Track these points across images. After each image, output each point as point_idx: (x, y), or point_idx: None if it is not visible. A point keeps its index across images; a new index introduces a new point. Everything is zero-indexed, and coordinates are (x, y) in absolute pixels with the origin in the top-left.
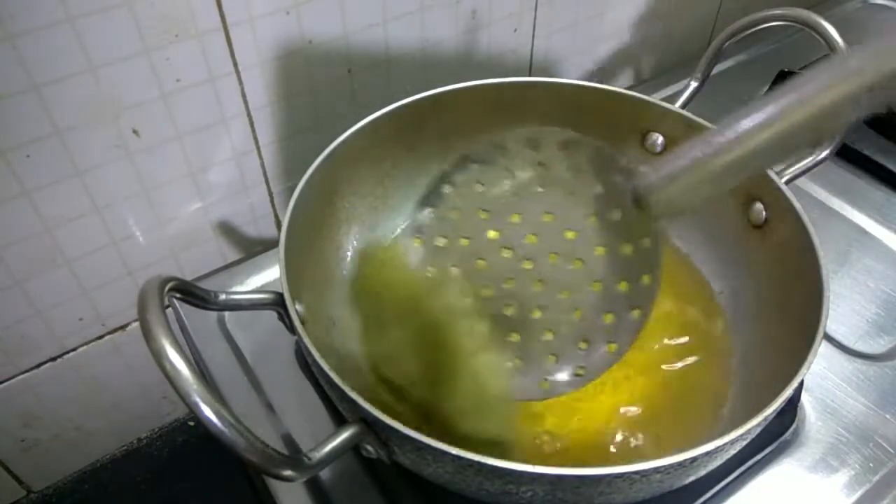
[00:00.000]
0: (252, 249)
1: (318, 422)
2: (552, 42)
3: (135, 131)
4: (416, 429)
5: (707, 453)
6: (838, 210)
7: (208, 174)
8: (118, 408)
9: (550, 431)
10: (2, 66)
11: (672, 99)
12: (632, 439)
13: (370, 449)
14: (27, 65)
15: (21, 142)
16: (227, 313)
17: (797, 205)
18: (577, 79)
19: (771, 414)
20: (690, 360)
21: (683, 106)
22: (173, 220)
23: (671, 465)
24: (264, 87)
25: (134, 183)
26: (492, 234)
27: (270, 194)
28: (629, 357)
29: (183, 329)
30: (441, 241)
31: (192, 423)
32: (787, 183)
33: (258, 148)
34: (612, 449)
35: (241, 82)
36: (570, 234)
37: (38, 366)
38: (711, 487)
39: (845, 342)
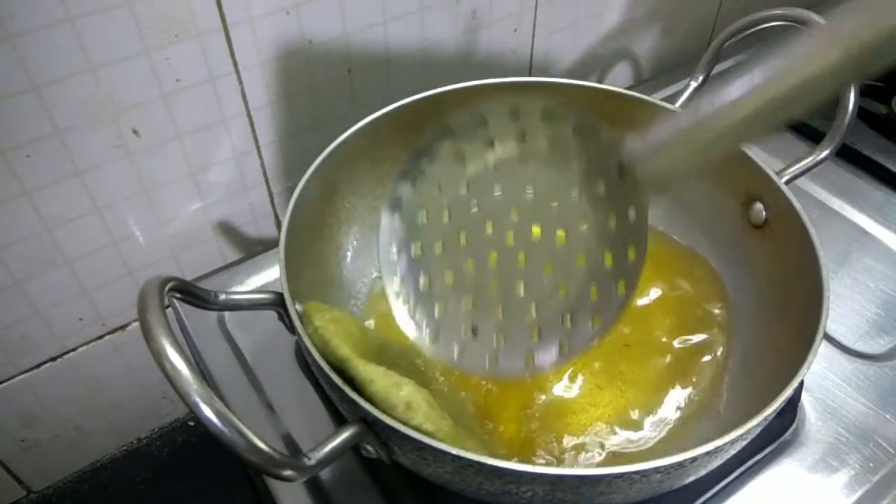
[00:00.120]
0: (252, 249)
1: (318, 422)
2: (552, 42)
3: (135, 131)
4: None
5: (707, 453)
6: (838, 210)
7: (208, 174)
8: (118, 408)
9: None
10: (2, 66)
11: (672, 99)
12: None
13: (370, 449)
14: (27, 65)
15: (21, 142)
16: (227, 313)
17: (797, 205)
18: (577, 79)
19: (771, 414)
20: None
21: (683, 106)
22: (173, 220)
23: (671, 465)
24: (264, 87)
25: (134, 183)
26: (473, 208)
27: (270, 194)
28: (629, 356)
29: (183, 329)
30: (421, 217)
31: (192, 423)
32: (787, 183)
33: (258, 148)
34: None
35: (241, 82)
36: (553, 208)
37: (38, 366)
38: (711, 487)
39: (845, 342)
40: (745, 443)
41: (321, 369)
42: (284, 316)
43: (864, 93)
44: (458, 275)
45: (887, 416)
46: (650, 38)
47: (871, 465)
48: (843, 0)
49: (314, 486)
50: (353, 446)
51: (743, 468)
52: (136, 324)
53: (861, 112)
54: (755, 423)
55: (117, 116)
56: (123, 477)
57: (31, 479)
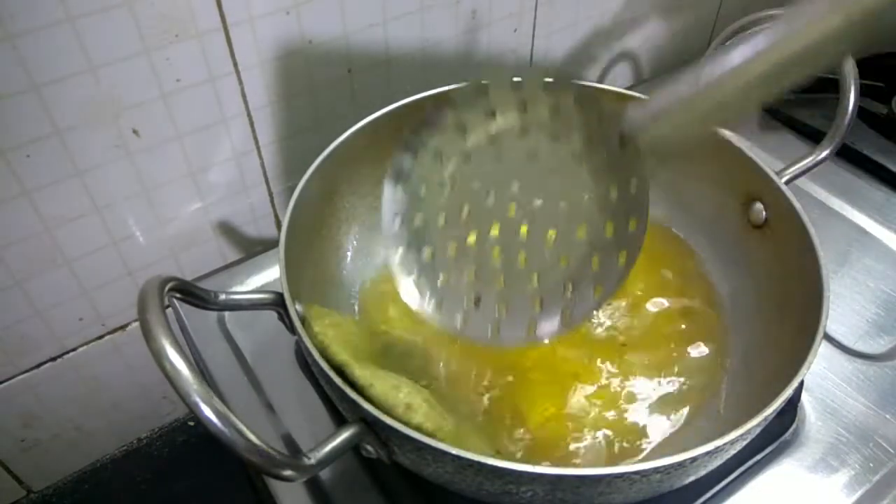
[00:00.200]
0: (252, 249)
1: (318, 422)
2: (552, 42)
3: (135, 131)
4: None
5: (707, 453)
6: (838, 210)
7: (208, 174)
8: (118, 408)
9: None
10: (2, 66)
11: None
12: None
13: (370, 449)
14: (27, 65)
15: (21, 142)
16: (227, 313)
17: (797, 205)
18: (577, 79)
19: (771, 414)
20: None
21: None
22: (173, 220)
23: (671, 465)
24: (264, 87)
25: (134, 183)
26: (475, 179)
27: (270, 194)
28: (629, 356)
29: (183, 329)
30: (423, 188)
31: (192, 423)
32: (787, 183)
33: (258, 148)
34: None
35: (241, 82)
36: (554, 179)
37: (38, 366)
38: (711, 487)
39: (845, 342)
40: (745, 443)
41: (321, 369)
42: (284, 316)
43: (864, 93)
44: (460, 245)
45: (887, 416)
46: (650, 37)
47: (871, 465)
48: None
49: (314, 486)
50: (353, 446)
51: (743, 468)
52: (136, 324)
53: (861, 112)
54: (755, 423)
55: (117, 116)
56: (123, 477)
57: (31, 479)
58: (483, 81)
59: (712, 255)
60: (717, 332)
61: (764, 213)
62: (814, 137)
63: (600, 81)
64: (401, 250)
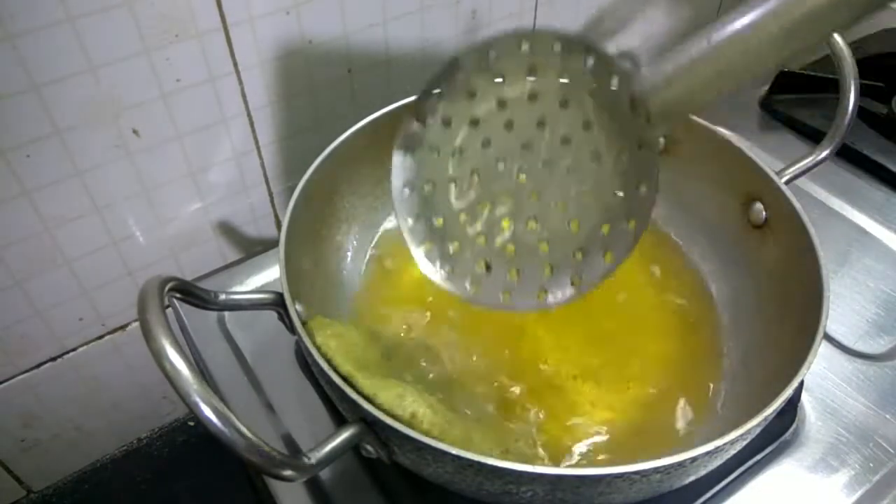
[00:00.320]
0: (252, 249)
1: (318, 422)
2: None
3: (135, 131)
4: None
5: (707, 453)
6: (838, 210)
7: (208, 174)
8: (118, 408)
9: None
10: (2, 66)
11: None
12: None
13: (370, 449)
14: (27, 65)
15: (21, 142)
16: (227, 313)
17: (797, 205)
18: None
19: (771, 414)
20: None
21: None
22: (173, 220)
23: (671, 465)
24: (264, 87)
25: (134, 183)
26: (485, 145)
27: (270, 194)
28: (628, 356)
29: (183, 329)
30: (433, 155)
31: (192, 423)
32: (787, 183)
33: (258, 148)
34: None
35: (241, 82)
36: (565, 143)
37: (38, 366)
38: (711, 487)
39: (845, 342)
40: (745, 443)
41: (321, 369)
42: (284, 316)
43: (864, 93)
44: (470, 213)
45: (887, 416)
46: (650, 37)
47: (871, 465)
48: None
49: (314, 486)
50: (353, 446)
51: (743, 468)
52: (136, 324)
53: (861, 112)
54: (755, 423)
55: (117, 116)
56: (123, 477)
57: (31, 479)
58: (491, 46)
59: (712, 256)
60: (716, 333)
61: (764, 213)
62: (814, 137)
63: None
64: (411, 218)
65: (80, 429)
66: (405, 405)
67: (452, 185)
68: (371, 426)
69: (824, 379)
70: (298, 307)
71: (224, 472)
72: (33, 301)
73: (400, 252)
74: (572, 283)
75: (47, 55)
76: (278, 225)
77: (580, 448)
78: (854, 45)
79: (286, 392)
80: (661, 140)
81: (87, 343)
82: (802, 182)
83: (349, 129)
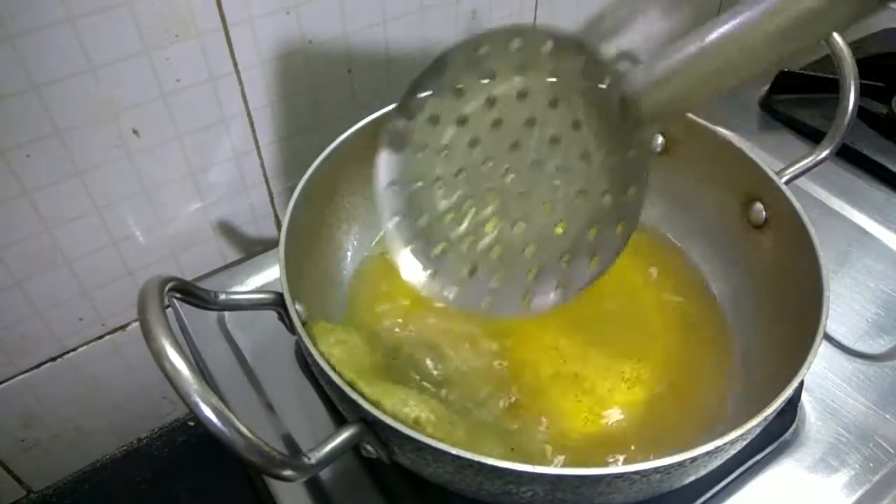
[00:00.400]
0: (252, 249)
1: (318, 422)
2: None
3: (135, 131)
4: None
5: (707, 453)
6: (838, 210)
7: (208, 174)
8: (118, 408)
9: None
10: (2, 66)
11: None
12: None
13: (370, 449)
14: (27, 65)
15: (21, 142)
16: (227, 313)
17: (797, 205)
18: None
19: (771, 414)
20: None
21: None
22: (173, 220)
23: (671, 465)
24: (264, 87)
25: (134, 183)
26: (472, 144)
27: (270, 194)
28: (629, 356)
29: (183, 329)
30: (419, 153)
31: (192, 423)
32: (787, 183)
33: (258, 148)
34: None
35: (241, 82)
36: (553, 143)
37: (38, 366)
38: (711, 487)
39: (845, 342)
40: (745, 443)
41: (321, 369)
42: (284, 316)
43: (864, 93)
44: (456, 213)
45: (887, 416)
46: (650, 37)
47: (871, 465)
48: None
49: (314, 486)
50: (353, 446)
51: (743, 468)
52: (136, 324)
53: (861, 112)
54: (755, 423)
55: (117, 116)
56: (123, 477)
57: (31, 479)
58: (480, 42)
59: (712, 256)
60: (716, 332)
61: (764, 213)
62: (814, 137)
63: None
64: (396, 219)
65: (80, 429)
66: (407, 411)
67: (438, 185)
68: (371, 426)
69: (824, 379)
70: (298, 307)
71: (224, 472)
72: (33, 301)
73: None
74: (558, 288)
75: (47, 55)
76: (278, 225)
77: (582, 447)
78: (854, 45)
79: (286, 392)
80: (661, 140)
81: (87, 343)
82: (802, 182)
83: (349, 129)
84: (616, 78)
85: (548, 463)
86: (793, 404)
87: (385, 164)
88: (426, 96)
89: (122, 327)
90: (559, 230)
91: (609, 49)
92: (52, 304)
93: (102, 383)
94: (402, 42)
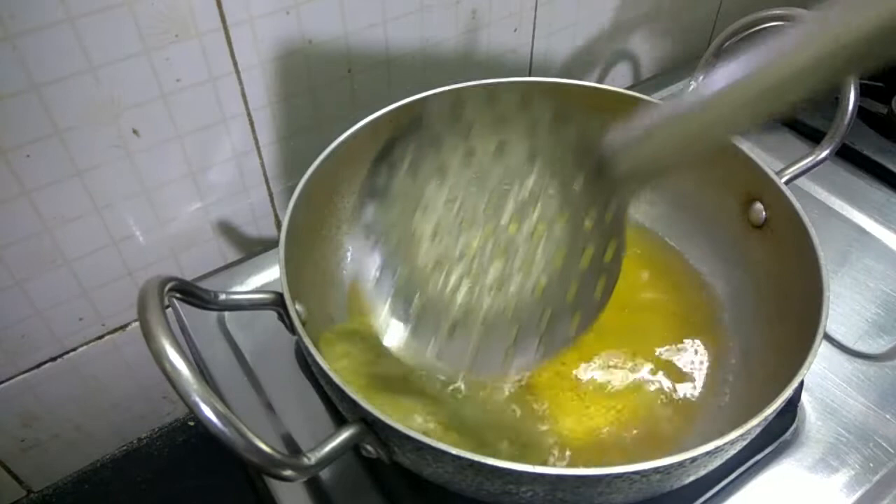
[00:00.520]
0: (252, 249)
1: (318, 422)
2: (552, 42)
3: (135, 131)
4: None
5: (707, 453)
6: (838, 210)
7: (208, 174)
8: (118, 408)
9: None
10: (2, 66)
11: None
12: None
13: (370, 449)
14: (27, 65)
15: (21, 142)
16: (227, 313)
17: (797, 205)
18: (577, 79)
19: (771, 414)
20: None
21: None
22: (173, 220)
23: (671, 465)
24: (264, 87)
25: (134, 183)
26: (450, 202)
27: (270, 194)
28: (629, 357)
29: (183, 329)
30: (396, 209)
31: (192, 423)
32: (787, 183)
33: (258, 148)
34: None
35: (241, 82)
36: (531, 204)
37: (38, 366)
38: (711, 487)
39: (845, 342)
40: (745, 443)
41: (321, 369)
42: (284, 316)
43: (864, 93)
44: (435, 269)
45: (887, 416)
46: (650, 38)
47: (871, 465)
48: None
49: (314, 486)
50: (353, 446)
51: (743, 468)
52: (136, 324)
53: (861, 112)
54: (755, 423)
55: (117, 116)
56: (123, 477)
57: (31, 479)
58: (460, 97)
59: (712, 256)
60: (717, 333)
61: (764, 213)
62: (814, 137)
63: (600, 81)
64: (374, 273)
65: (80, 429)
66: (414, 426)
67: (416, 241)
68: (371, 426)
69: (824, 379)
70: (298, 307)
71: (224, 472)
72: (33, 301)
73: None
74: (539, 346)
75: (47, 55)
76: (278, 225)
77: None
78: None
79: (286, 392)
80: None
81: (87, 343)
82: (802, 182)
83: (349, 129)
84: (592, 138)
85: (552, 462)
86: (793, 404)
87: (365, 217)
88: (403, 152)
89: (122, 327)
90: (539, 288)
91: (610, 49)
92: (52, 304)
93: (102, 383)
94: (402, 42)
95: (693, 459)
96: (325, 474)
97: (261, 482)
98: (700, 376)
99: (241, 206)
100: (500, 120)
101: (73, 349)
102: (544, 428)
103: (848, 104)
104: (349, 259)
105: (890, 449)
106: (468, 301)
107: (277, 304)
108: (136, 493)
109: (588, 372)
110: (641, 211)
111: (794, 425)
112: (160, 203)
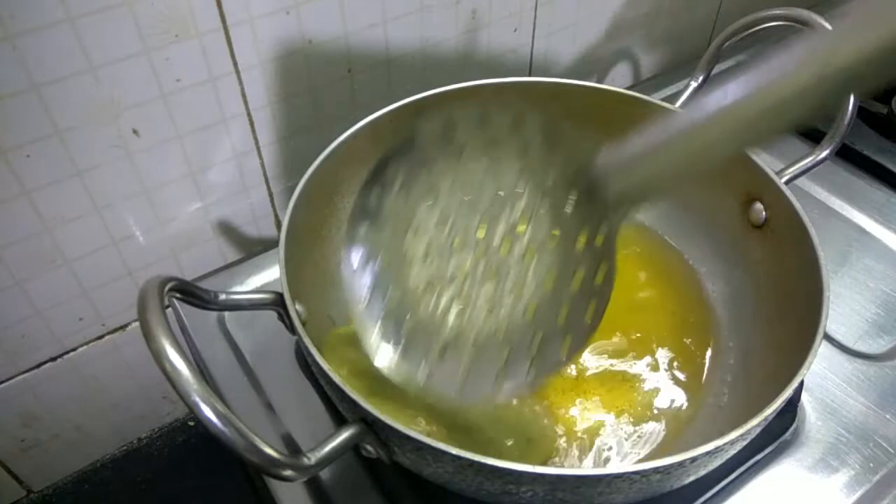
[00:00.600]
0: (252, 249)
1: (318, 422)
2: (552, 42)
3: (135, 131)
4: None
5: (707, 453)
6: (838, 210)
7: (208, 174)
8: (118, 408)
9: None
10: (2, 66)
11: (672, 99)
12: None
13: (370, 449)
14: (27, 65)
15: (21, 142)
16: (227, 313)
17: (797, 205)
18: (577, 79)
19: (771, 414)
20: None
21: (683, 106)
22: (173, 220)
23: (671, 465)
24: (264, 87)
25: (134, 183)
26: (441, 223)
27: (270, 194)
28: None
29: (183, 329)
30: (387, 230)
31: (192, 423)
32: (787, 183)
33: (258, 148)
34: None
35: (241, 82)
36: (522, 226)
37: (38, 366)
38: (711, 487)
39: (845, 342)
40: (745, 443)
41: (321, 369)
42: (284, 316)
43: None
44: (426, 291)
45: (887, 416)
46: (650, 38)
47: (871, 465)
48: (842, 3)
49: (314, 486)
50: (353, 446)
51: (743, 468)
52: (136, 324)
53: (861, 112)
54: (755, 423)
55: (117, 116)
56: (123, 477)
57: (31, 479)
58: (451, 117)
59: (712, 256)
60: (716, 332)
61: (764, 213)
62: (814, 137)
63: (600, 81)
64: (366, 295)
65: (80, 429)
66: (419, 431)
67: (407, 262)
68: (371, 426)
69: (824, 379)
70: (298, 307)
71: (224, 472)
72: (33, 301)
73: None
74: (531, 369)
75: (47, 55)
76: (278, 225)
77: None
78: None
79: (286, 392)
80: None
81: (87, 343)
82: (802, 182)
83: (349, 129)
84: (584, 159)
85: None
86: (793, 404)
87: (355, 238)
88: (395, 173)
89: (122, 327)
90: (530, 310)
91: (610, 49)
92: (52, 304)
93: (102, 383)
94: (402, 42)
95: (693, 459)
96: (325, 474)
97: (261, 482)
98: (699, 376)
99: (241, 206)
100: (492, 142)
101: (73, 349)
102: (546, 422)
103: (848, 104)
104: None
105: (890, 449)
106: (459, 323)
107: (277, 304)
108: (136, 493)
109: (588, 370)
110: (641, 209)
111: (794, 425)
112: (160, 203)
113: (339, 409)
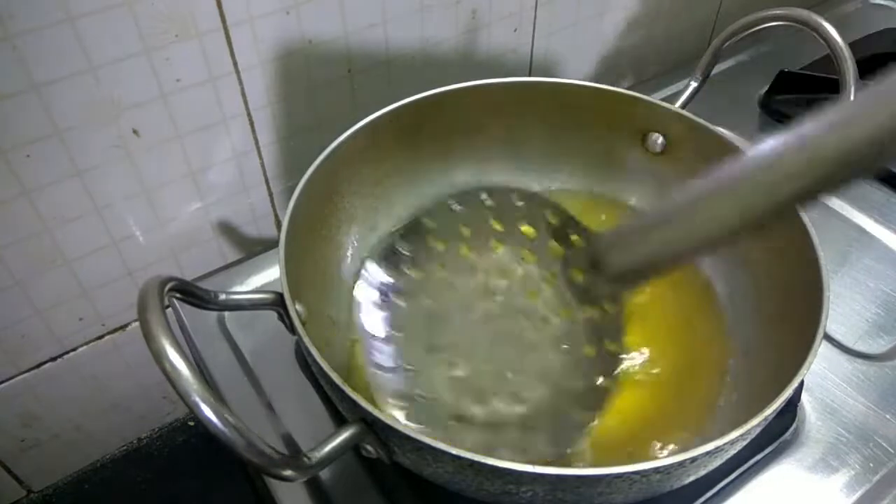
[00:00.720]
0: (252, 249)
1: (318, 422)
2: (552, 42)
3: (135, 131)
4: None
5: (707, 453)
6: (838, 210)
7: (208, 174)
8: (118, 408)
9: None
10: (2, 66)
11: (672, 99)
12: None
13: (370, 449)
14: (27, 65)
15: (21, 142)
16: (227, 313)
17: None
18: (577, 79)
19: (771, 414)
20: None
21: (683, 106)
22: (173, 220)
23: (671, 465)
24: (264, 87)
25: (134, 183)
26: (455, 295)
27: (270, 194)
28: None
29: (183, 329)
30: (405, 300)
31: (192, 423)
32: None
33: (258, 148)
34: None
35: (241, 82)
36: (534, 297)
37: (38, 366)
38: (711, 487)
39: (845, 342)
40: (745, 443)
41: (321, 369)
42: (284, 316)
43: None
44: (443, 360)
45: (887, 416)
46: (650, 38)
47: (871, 465)
48: (842, 3)
49: (314, 486)
50: (353, 446)
51: (743, 468)
52: (136, 324)
53: None
54: (755, 423)
55: (117, 116)
56: (123, 477)
57: (31, 479)
58: (456, 199)
59: (711, 256)
60: (716, 332)
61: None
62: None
63: (600, 81)
64: (388, 364)
65: (80, 429)
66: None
67: (425, 332)
68: (371, 426)
69: (824, 379)
70: (298, 307)
71: (224, 472)
72: (33, 301)
73: None
74: (550, 445)
75: (47, 55)
76: (278, 225)
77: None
78: (854, 45)
79: (286, 392)
80: (661, 140)
81: (87, 343)
82: None
83: (349, 129)
84: (587, 236)
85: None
86: (793, 404)
87: (373, 312)
88: (409, 247)
89: (122, 327)
90: (545, 384)
91: (610, 49)
92: (52, 304)
93: (102, 383)
94: (402, 42)
95: (693, 459)
96: (325, 474)
97: (261, 482)
98: (699, 376)
99: (241, 206)
100: (503, 232)
101: (73, 349)
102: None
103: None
104: (349, 259)
105: (890, 449)
106: (476, 394)
107: (277, 304)
108: (136, 493)
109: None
110: (642, 210)
111: (794, 425)
112: (160, 203)
113: (339, 409)
